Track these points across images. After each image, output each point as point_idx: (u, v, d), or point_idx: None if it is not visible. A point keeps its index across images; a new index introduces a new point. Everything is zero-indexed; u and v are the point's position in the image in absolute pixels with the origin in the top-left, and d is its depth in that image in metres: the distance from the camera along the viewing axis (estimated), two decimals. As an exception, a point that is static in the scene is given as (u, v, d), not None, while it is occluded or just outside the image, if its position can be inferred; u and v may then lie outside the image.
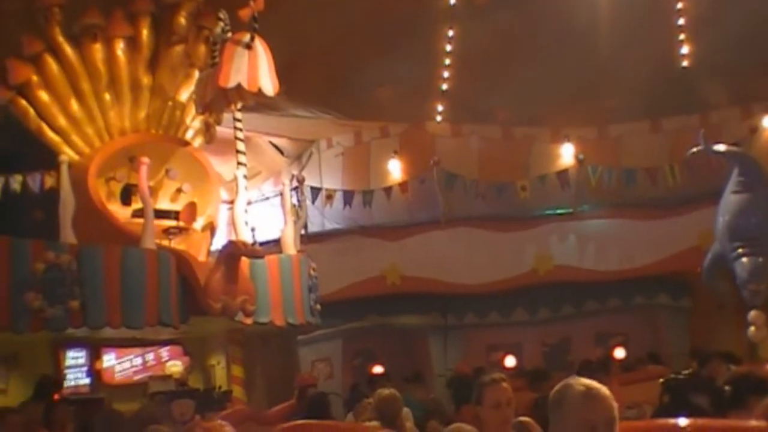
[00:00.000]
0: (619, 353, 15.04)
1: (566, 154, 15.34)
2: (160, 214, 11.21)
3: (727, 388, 5.14)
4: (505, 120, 15.43)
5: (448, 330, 15.84)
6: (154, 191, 11.34)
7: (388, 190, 15.10)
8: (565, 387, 3.15)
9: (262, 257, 10.67)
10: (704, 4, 13.48)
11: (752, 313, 8.86)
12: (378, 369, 14.88)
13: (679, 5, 13.85)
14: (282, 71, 9.77)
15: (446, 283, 14.96)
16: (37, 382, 10.29)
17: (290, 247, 11.87)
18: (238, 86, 9.34)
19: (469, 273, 14.89)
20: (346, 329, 15.46)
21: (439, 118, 15.35)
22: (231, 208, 11.17)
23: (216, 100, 9.72)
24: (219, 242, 11.68)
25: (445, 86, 14.52)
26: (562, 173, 14.98)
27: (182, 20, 11.79)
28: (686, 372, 6.54)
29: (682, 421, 4.21)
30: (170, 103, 11.93)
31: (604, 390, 3.09)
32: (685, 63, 14.20)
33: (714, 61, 13.88)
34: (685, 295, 15.43)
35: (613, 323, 15.60)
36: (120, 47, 11.58)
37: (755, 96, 14.66)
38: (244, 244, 10.26)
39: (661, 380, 6.06)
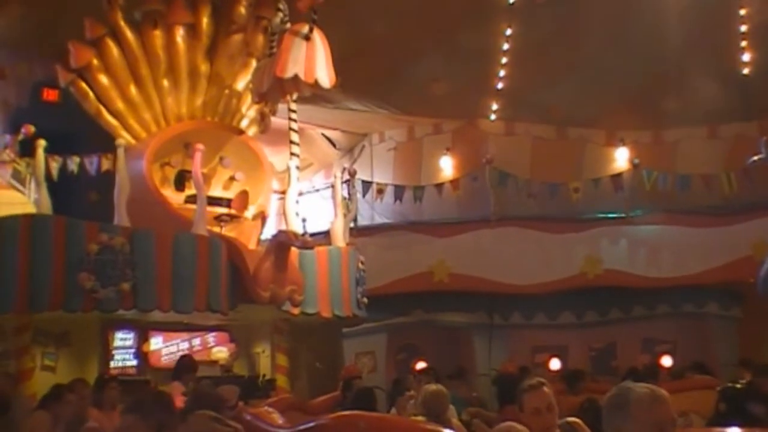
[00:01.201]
0: (666, 361, 14.83)
1: (620, 158, 15.18)
2: (213, 201, 11.34)
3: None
4: (560, 120, 15.30)
5: (493, 329, 15.77)
6: (207, 178, 11.46)
7: (439, 186, 15.07)
8: (627, 390, 3.15)
9: (311, 248, 10.72)
10: (767, 11, 13.25)
11: (805, 327, 8.70)
12: (421, 365, 14.86)
13: (742, 12, 13.65)
14: (338, 63, 9.79)
15: (493, 282, 14.88)
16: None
17: (339, 239, 11.90)
18: (295, 77, 9.36)
19: (517, 273, 14.79)
20: (391, 324, 15.47)
21: (493, 116, 15.28)
22: (282, 198, 11.23)
23: (272, 90, 9.76)
24: (269, 232, 11.75)
25: (500, 84, 14.44)
26: (616, 177, 14.82)
27: (242, 9, 11.90)
28: (742, 381, 6.46)
29: (738, 430, 4.16)
30: (227, 91, 12.04)
31: (666, 393, 3.10)
32: (746, 70, 13.99)
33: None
34: (736, 305, 15.20)
35: (660, 330, 15.41)
36: (180, 34, 11.71)
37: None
38: (295, 234, 10.31)
39: (718, 389, 6.00)
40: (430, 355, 15.20)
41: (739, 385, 5.79)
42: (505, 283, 14.89)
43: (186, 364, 10.36)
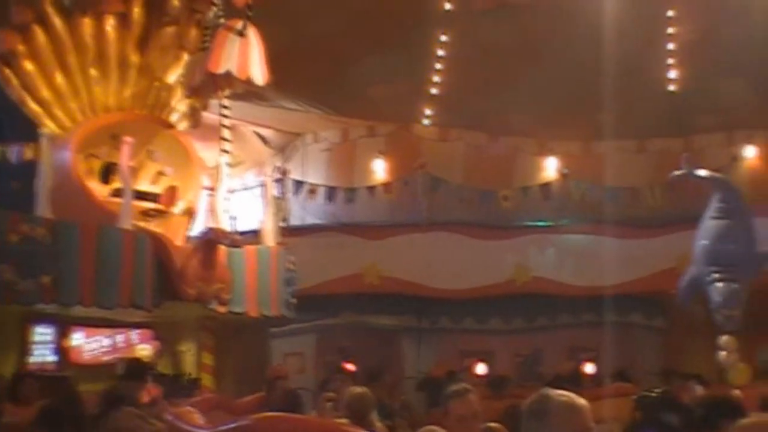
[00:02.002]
0: (590, 368, 15.04)
1: (551, 168, 15.35)
2: (140, 195, 11.13)
3: (699, 409, 5.16)
4: (493, 128, 15.45)
5: (422, 333, 15.83)
6: (134, 172, 11.25)
7: (371, 189, 15.09)
8: (546, 398, 3.14)
9: (240, 247, 10.61)
10: (695, 31, 13.58)
11: (724, 338, 8.90)
12: (350, 366, 14.83)
13: (671, 30, 13.97)
14: (274, 62, 9.73)
15: (424, 286, 14.94)
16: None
17: (269, 238, 11.82)
18: (228, 73, 9.28)
19: (447, 278, 14.88)
20: (320, 325, 15.43)
21: (427, 121, 15.35)
22: (212, 195, 11.10)
23: (204, 85, 9.67)
24: (198, 228, 11.61)
25: (435, 90, 14.52)
26: (545, 186, 15.02)
27: (175, 1, 11.71)
28: (658, 390, 6.56)
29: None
30: (157, 84, 11.84)
31: (584, 401, 3.11)
32: (672, 87, 14.33)
33: (701, 88, 14.00)
34: (659, 316, 15.47)
35: (585, 338, 15.60)
36: (110, 23, 11.46)
37: (739, 124, 14.75)
38: (223, 232, 10.20)
39: (634, 397, 6.08)
40: (359, 357, 15.19)
41: (654, 394, 5.87)
42: (434, 288, 14.96)
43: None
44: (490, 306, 15.32)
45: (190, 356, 13.05)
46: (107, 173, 11.28)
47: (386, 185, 15.16)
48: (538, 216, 15.21)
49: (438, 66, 14.30)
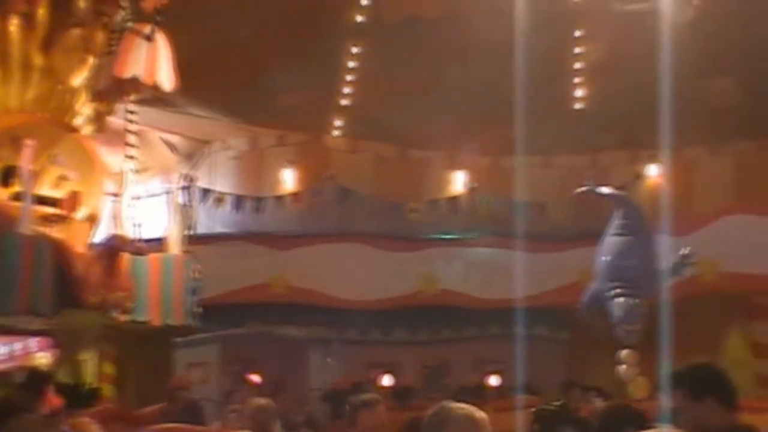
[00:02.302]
0: (494, 380, 15.22)
1: (459, 181, 15.53)
2: (41, 199, 10.82)
3: (604, 416, 5.25)
4: (403, 141, 15.56)
5: (329, 344, 15.78)
6: (36, 175, 10.94)
7: (280, 198, 15.01)
8: (445, 410, 3.16)
9: (144, 254, 10.43)
10: (602, 50, 13.92)
11: (624, 352, 9.09)
12: (255, 377, 14.70)
13: (578, 50, 14.31)
14: (182, 68, 9.60)
15: (331, 296, 14.92)
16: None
17: (175, 246, 11.63)
18: (134, 78, 9.13)
19: (355, 288, 14.89)
20: (226, 335, 15.25)
21: (337, 132, 15.37)
22: (116, 201, 10.89)
23: (110, 89, 9.50)
24: (100, 235, 11.35)
25: (345, 101, 14.54)
26: (453, 199, 15.21)
27: (81, 3, 11.44)
28: (556, 403, 6.65)
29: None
30: (61, 86, 11.51)
31: (483, 414, 3.13)
32: (579, 105, 14.67)
33: (606, 107, 14.37)
34: (563, 329, 15.74)
35: (491, 351, 15.78)
36: (14, 23, 11.12)
37: (643, 143, 15.14)
38: (127, 239, 10.02)
39: (532, 410, 6.15)
40: (264, 367, 15.07)
41: (552, 407, 5.95)
42: (342, 298, 14.95)
43: None
44: (397, 317, 15.39)
45: (90, 365, 12.74)
46: (7, 176, 10.91)
47: (295, 195, 15.12)
48: (446, 229, 15.37)
49: (349, 77, 14.34)
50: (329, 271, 14.79)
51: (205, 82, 12.69)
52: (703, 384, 4.42)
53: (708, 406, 4.34)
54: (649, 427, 4.49)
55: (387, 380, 15.20)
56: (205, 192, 14.77)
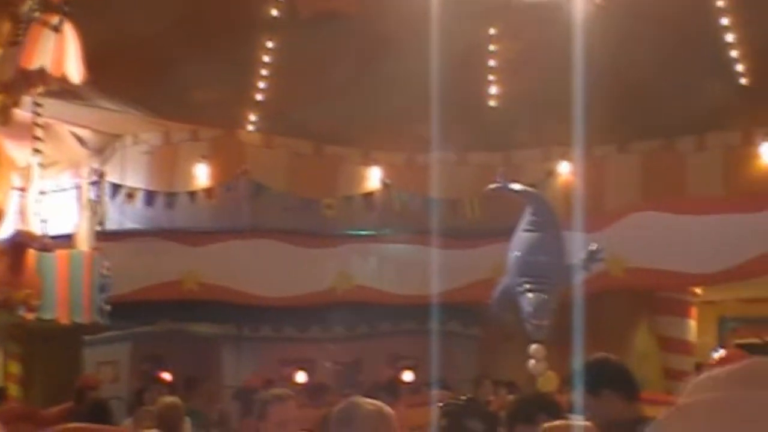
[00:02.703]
0: (408, 376, 15.32)
1: (374, 178, 15.57)
2: (-57, 194, 10.51)
3: (518, 404, 5.32)
4: (318, 137, 15.53)
5: (241, 341, 15.67)
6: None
7: (193, 194, 14.81)
8: (354, 406, 3.18)
9: (51, 251, 10.21)
10: (515, 48, 14.11)
11: (533, 347, 9.22)
12: (166, 376, 14.50)
13: (492, 47, 14.48)
14: (92, 60, 9.42)
15: (244, 293, 14.79)
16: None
17: (83, 243, 11.41)
18: (41, 69, 8.91)
19: (269, 285, 14.78)
20: (136, 333, 15.02)
21: (251, 127, 15.26)
22: (22, 196, 10.61)
23: (16, 81, 9.24)
24: (5, 231, 11.05)
25: (260, 97, 14.45)
26: (368, 196, 15.23)
27: (-14, -7, 11.13)
28: (464, 397, 6.72)
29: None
30: (-36, 77, 11.20)
31: (390, 410, 3.15)
32: (492, 103, 14.85)
33: (519, 104, 14.57)
34: (476, 324, 15.91)
35: (405, 346, 15.87)
36: None
37: (555, 140, 15.40)
38: (33, 234, 9.78)
39: (439, 404, 6.20)
40: (176, 366, 14.88)
41: (460, 401, 6.01)
42: (256, 295, 14.84)
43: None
44: (311, 314, 15.33)
45: (-5, 365, 12.44)
46: None
47: (208, 191, 14.94)
48: (360, 225, 15.39)
49: (264, 72, 14.24)
50: (242, 267, 14.67)
51: (115, 74, 12.46)
52: (600, 378, 4.53)
53: (606, 398, 4.44)
54: (561, 417, 4.58)
55: (301, 377, 15.17)
56: (116, 187, 14.50)
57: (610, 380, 4.51)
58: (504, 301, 9.68)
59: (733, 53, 14.28)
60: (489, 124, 14.91)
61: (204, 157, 15.36)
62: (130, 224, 15.08)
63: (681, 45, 13.57)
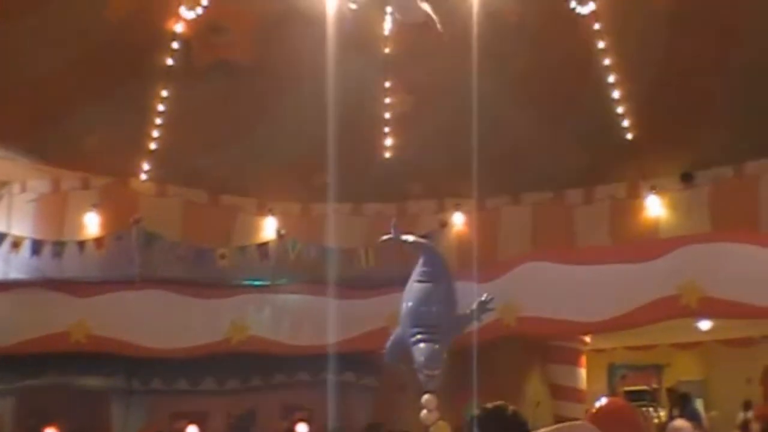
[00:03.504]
0: (302, 428, 15.15)
1: (269, 227, 15.51)
2: None
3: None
4: (213, 186, 15.42)
5: (131, 394, 15.25)
6: None
7: (81, 243, 14.46)
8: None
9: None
10: (410, 102, 14.36)
11: (425, 397, 9.24)
12: (52, 431, 14.01)
13: (388, 100, 14.70)
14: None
15: (135, 345, 14.45)
16: None
17: (-36, 293, 10.99)
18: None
19: (161, 337, 14.49)
20: (21, 386, 14.48)
21: (144, 176, 15.05)
22: None
23: None
24: None
25: (154, 144, 14.29)
26: (263, 245, 15.16)
27: None
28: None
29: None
30: None
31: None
32: (387, 154, 15.03)
33: (414, 156, 14.79)
34: (370, 375, 15.87)
35: (300, 397, 15.72)
36: None
37: (449, 192, 15.66)
38: None
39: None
40: (63, 420, 14.40)
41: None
42: (147, 347, 14.51)
43: None
44: (204, 366, 15.06)
45: None
46: None
47: (98, 240, 14.61)
48: (255, 275, 15.25)
49: (158, 120, 14.12)
50: (133, 318, 14.35)
51: (3, 119, 12.17)
52: (493, 427, 4.56)
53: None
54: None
55: (192, 431, 14.83)
56: (1, 236, 14.06)
57: (503, 429, 4.55)
58: (397, 351, 9.64)
59: (619, 109, 14.80)
60: (384, 175, 15.05)
61: (95, 206, 15.06)
62: (15, 274, 14.61)
63: (570, 101, 14.02)
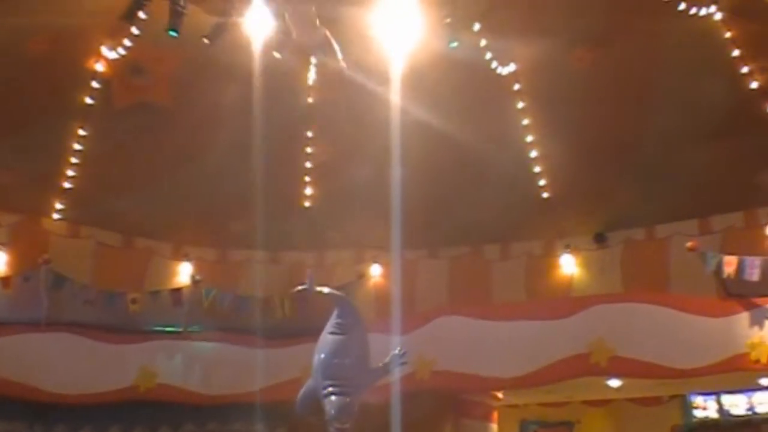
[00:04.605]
0: (210, 478, 14.86)
1: (184, 273, 15.31)
2: None
3: None
4: (127, 229, 15.18)
5: (33, 440, 14.76)
6: None
7: (-12, 282, 14.04)
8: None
9: None
10: (331, 152, 14.44)
11: (336, 450, 9.13)
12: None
13: (309, 150, 14.76)
14: None
15: (39, 389, 13.99)
16: None
17: None
18: None
19: (66, 382, 14.08)
20: None
21: (57, 215, 14.74)
22: None
23: None
24: None
25: (68, 184, 14.03)
26: (176, 291, 14.96)
27: None
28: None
29: None
30: None
31: None
32: (307, 203, 15.05)
33: (334, 206, 14.82)
34: (282, 425, 15.67)
35: (208, 446, 15.45)
36: None
37: (367, 243, 15.68)
38: None
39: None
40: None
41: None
42: (51, 392, 14.07)
43: None
44: (111, 413, 14.67)
45: None
46: None
47: (4, 279, 14.20)
48: (167, 321, 15.00)
49: (74, 159, 13.89)
50: (38, 362, 13.90)
51: None
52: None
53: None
54: None
55: (94, 479, 14.42)
56: None
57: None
58: (308, 403, 9.61)
59: (536, 168, 15.08)
60: (303, 224, 15.04)
61: (3, 244, 14.66)
62: None
63: (489, 158, 14.24)
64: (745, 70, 13.12)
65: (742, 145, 13.51)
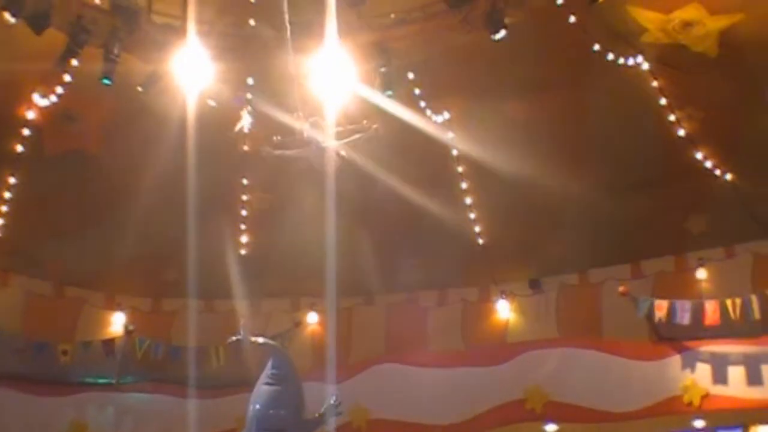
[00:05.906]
0: None
1: (118, 322, 15.07)
2: None
3: None
4: (58, 277, 14.91)
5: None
6: None
7: None
8: None
9: None
10: (267, 200, 14.49)
11: (271, 503, 9.00)
12: None
13: (245, 197, 14.73)
14: None
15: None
16: None
17: None
18: None
19: (-7, 436, 13.69)
20: None
21: (-14, 263, 14.44)
22: None
23: None
24: None
25: (-4, 232, 13.78)
26: (108, 342, 14.71)
27: None
28: None
29: None
30: None
31: None
32: (243, 251, 14.99)
33: (269, 253, 14.76)
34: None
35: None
36: None
37: (304, 291, 15.58)
38: None
39: None
40: None
41: None
42: (-27, 448, 13.67)
43: None
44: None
45: None
46: None
47: (-74, 329, 13.83)
48: (99, 372, 14.71)
49: (3, 208, 13.64)
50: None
51: None
52: None
53: None
54: None
55: None
56: None
57: None
58: (241, 456, 9.50)
59: (472, 215, 15.20)
60: (239, 272, 14.91)
61: (-74, 295, 14.30)
62: None
63: (419, 207, 14.31)
64: (672, 118, 13.41)
65: (671, 191, 13.81)
